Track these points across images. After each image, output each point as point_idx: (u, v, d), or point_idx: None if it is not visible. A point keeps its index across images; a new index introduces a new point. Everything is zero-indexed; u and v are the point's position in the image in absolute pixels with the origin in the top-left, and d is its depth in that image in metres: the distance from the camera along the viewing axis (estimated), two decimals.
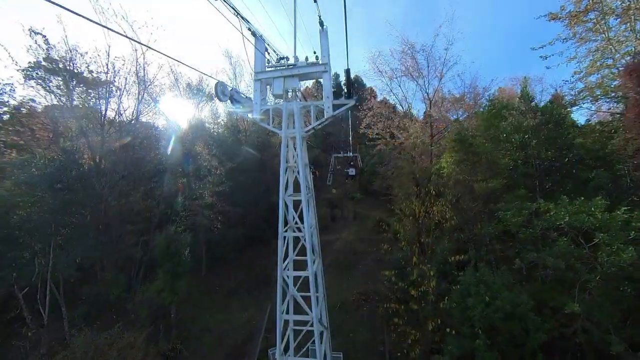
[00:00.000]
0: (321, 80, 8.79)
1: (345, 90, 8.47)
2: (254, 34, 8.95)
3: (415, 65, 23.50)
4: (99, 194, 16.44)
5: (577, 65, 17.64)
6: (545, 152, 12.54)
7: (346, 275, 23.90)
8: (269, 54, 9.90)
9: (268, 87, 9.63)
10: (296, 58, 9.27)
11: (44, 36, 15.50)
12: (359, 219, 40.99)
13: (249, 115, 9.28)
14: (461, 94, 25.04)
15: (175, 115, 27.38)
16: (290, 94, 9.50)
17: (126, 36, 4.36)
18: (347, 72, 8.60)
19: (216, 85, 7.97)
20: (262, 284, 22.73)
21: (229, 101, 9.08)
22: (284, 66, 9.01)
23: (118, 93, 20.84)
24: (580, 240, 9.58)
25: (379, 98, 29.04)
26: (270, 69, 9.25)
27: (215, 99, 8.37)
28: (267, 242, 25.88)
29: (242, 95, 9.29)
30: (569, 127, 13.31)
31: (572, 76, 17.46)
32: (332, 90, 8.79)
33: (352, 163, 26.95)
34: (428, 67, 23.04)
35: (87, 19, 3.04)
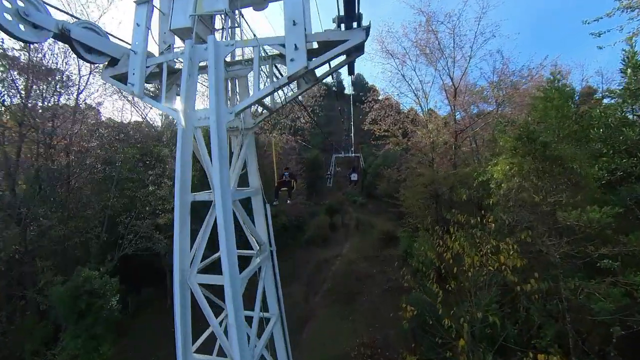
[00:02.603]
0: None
1: (343, 12, 3.24)
2: None
3: (435, 42, 18.29)
4: None
5: None
6: None
7: (346, 311, 18.69)
8: None
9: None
10: None
11: None
12: (362, 227, 36.05)
13: (129, 86, 4.15)
14: (494, 80, 19.73)
15: (145, 109, 22.31)
16: (223, 32, 4.36)
17: None
18: None
19: None
20: None
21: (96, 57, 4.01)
22: None
23: (46, 78, 15.77)
24: None
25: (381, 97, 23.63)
26: None
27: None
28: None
29: (112, 38, 4.14)
30: None
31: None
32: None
33: (355, 165, 21.96)
34: (454, 44, 17.83)
35: None
